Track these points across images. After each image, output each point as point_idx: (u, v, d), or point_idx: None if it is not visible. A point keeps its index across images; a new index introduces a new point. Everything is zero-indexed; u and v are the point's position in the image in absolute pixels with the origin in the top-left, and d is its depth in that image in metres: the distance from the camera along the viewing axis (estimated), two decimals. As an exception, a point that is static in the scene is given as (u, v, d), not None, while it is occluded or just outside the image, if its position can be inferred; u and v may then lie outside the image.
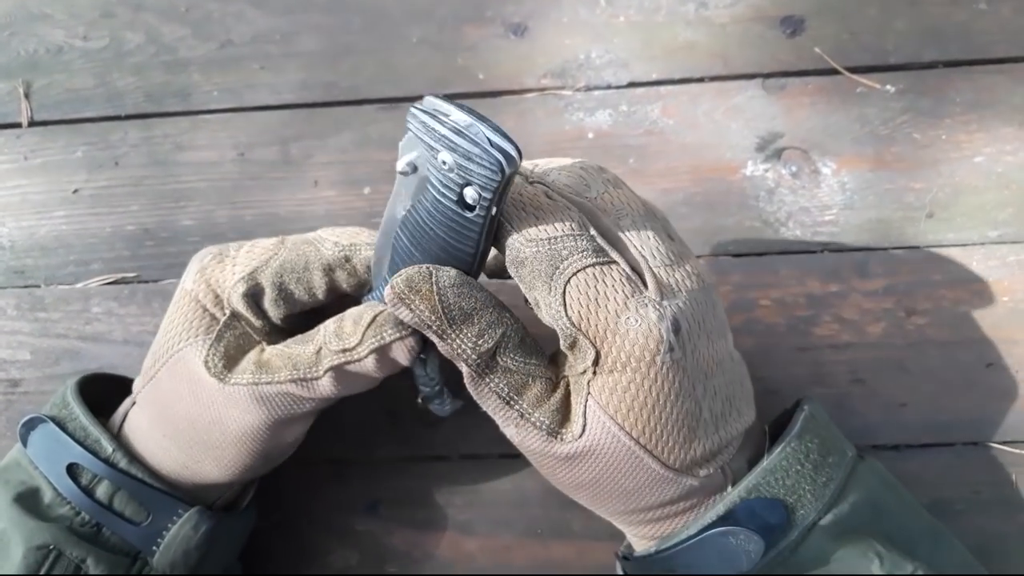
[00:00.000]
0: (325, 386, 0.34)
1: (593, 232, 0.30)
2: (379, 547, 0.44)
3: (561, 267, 0.30)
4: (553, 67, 0.49)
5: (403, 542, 0.44)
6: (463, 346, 0.31)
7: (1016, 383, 0.43)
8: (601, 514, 0.35)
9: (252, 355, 0.35)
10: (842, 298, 0.45)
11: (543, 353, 0.33)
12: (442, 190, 0.30)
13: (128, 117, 0.50)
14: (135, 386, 0.38)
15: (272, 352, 0.35)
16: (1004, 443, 0.43)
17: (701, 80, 0.48)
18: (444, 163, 0.29)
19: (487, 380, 0.31)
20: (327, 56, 0.50)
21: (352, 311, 0.34)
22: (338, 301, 0.37)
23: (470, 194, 0.29)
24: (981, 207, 0.45)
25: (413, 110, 0.30)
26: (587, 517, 0.42)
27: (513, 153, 0.28)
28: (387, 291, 0.31)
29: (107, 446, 0.36)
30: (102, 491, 0.35)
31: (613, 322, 0.29)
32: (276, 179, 0.49)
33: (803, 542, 0.31)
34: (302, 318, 0.38)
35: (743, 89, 0.47)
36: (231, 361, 0.35)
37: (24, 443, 0.37)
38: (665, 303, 0.30)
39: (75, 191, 0.50)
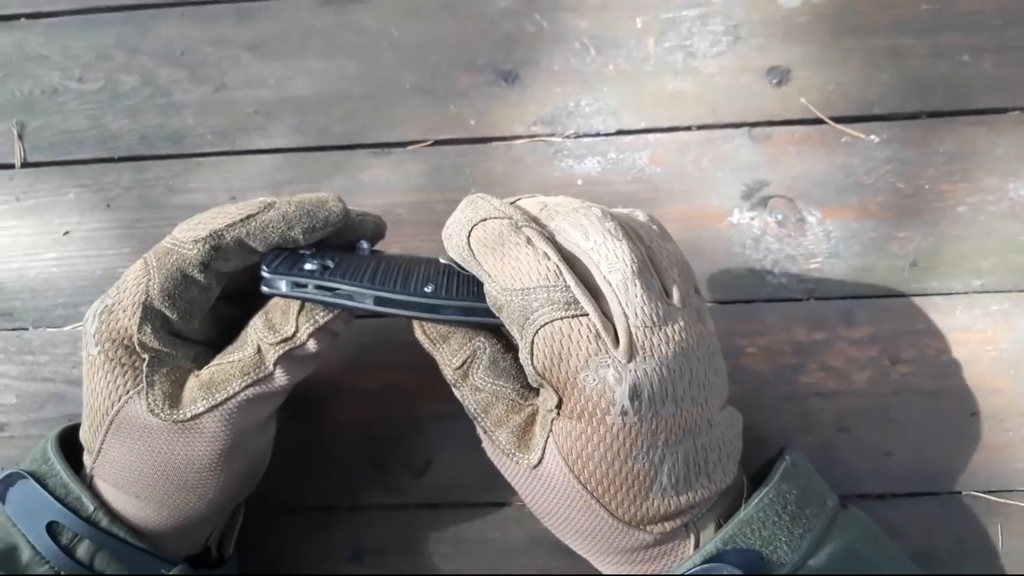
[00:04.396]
0: (279, 379, 0.35)
1: (569, 282, 0.30)
2: (365, 595, 0.44)
3: (531, 318, 0.31)
4: (543, 114, 0.49)
5: (389, 590, 0.44)
6: (441, 361, 0.36)
7: (999, 432, 0.43)
8: (578, 551, 0.35)
9: (191, 383, 0.35)
10: (828, 346, 0.45)
11: (516, 377, 0.34)
12: None
13: (121, 159, 0.51)
14: (85, 461, 0.36)
15: (209, 372, 0.35)
16: (988, 492, 0.43)
17: (689, 129, 0.49)
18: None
19: (462, 396, 0.35)
20: (320, 101, 0.50)
21: (271, 303, 0.36)
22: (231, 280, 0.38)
23: None
24: (964, 256, 0.46)
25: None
26: (572, 565, 0.42)
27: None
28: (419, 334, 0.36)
29: (88, 504, 0.35)
30: (83, 551, 0.34)
31: (573, 376, 0.30)
32: (267, 222, 0.49)
33: None
34: (216, 326, 0.38)
35: (730, 138, 0.48)
36: (174, 399, 0.34)
37: (2, 500, 0.36)
38: (631, 365, 0.29)
39: (66, 233, 0.50)
